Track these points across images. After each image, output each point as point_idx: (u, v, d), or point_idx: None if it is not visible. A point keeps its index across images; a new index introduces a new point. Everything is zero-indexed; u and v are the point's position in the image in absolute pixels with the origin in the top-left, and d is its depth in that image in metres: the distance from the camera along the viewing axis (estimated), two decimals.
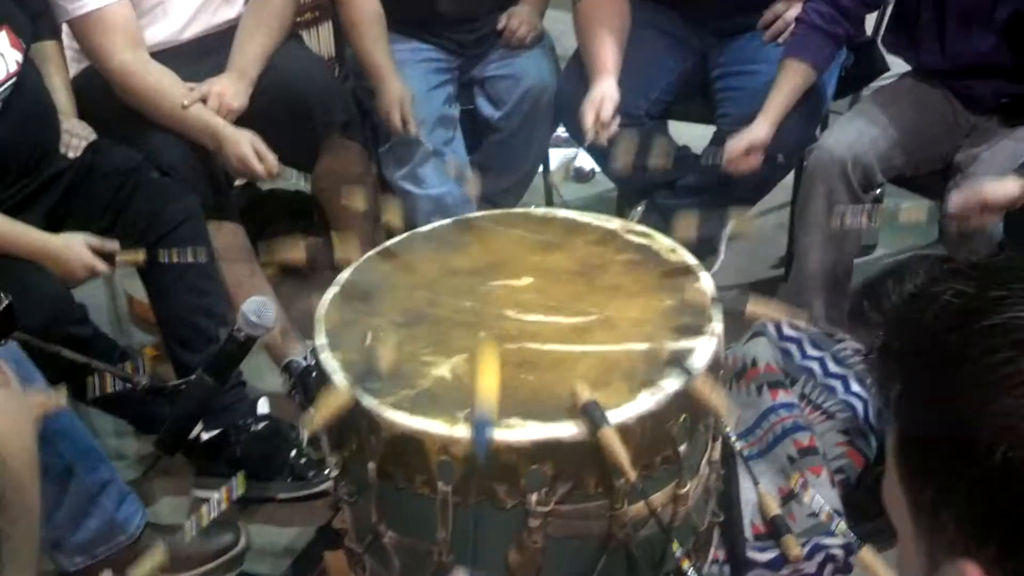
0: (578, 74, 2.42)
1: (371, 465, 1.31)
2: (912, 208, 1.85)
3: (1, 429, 0.37)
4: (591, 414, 1.21)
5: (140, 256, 1.86)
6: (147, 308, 2.17)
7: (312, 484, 2.04)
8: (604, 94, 2.28)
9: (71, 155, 2.03)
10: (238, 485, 1.36)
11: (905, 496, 0.62)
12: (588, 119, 2.26)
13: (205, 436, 2.01)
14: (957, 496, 0.57)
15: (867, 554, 1.35)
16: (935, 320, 0.59)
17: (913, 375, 0.60)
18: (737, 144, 2.15)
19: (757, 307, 1.43)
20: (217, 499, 1.34)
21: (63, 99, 2.13)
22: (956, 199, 1.79)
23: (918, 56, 2.22)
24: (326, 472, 1.96)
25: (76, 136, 2.06)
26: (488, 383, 1.23)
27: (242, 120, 2.17)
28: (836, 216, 1.90)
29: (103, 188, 2.00)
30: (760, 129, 2.15)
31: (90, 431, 1.81)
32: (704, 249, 1.62)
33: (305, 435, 1.32)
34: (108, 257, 1.88)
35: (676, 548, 1.38)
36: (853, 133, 2.15)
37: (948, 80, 2.16)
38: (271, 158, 2.11)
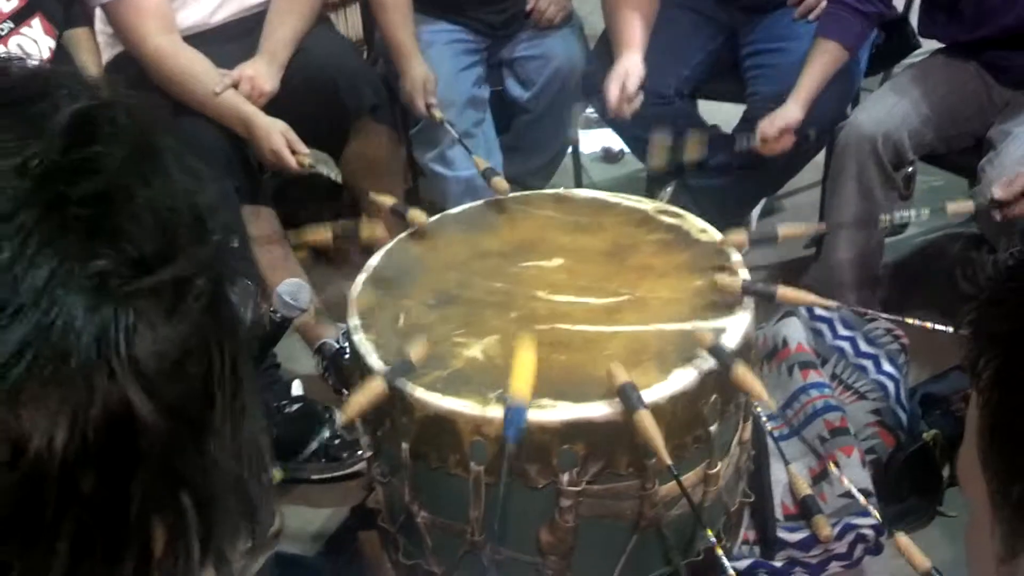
0: (607, 54, 2.41)
1: (404, 445, 1.33)
2: (959, 203, 1.82)
3: None
4: (627, 396, 1.22)
5: None
6: None
7: (346, 465, 2.06)
8: (628, 68, 2.28)
9: None
10: (275, 476, 1.38)
11: (987, 482, 0.57)
12: (612, 93, 2.26)
13: None
14: None
15: (902, 539, 1.35)
16: None
17: (1011, 361, 0.55)
18: (769, 127, 2.13)
19: (788, 293, 1.42)
20: None
21: None
22: (1000, 186, 1.77)
23: (953, 30, 2.19)
24: (359, 453, 1.98)
25: None
26: (524, 374, 1.24)
27: (272, 103, 2.18)
28: (885, 218, 1.88)
29: None
30: (792, 111, 2.14)
31: None
32: (735, 228, 1.62)
33: (340, 421, 1.33)
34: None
35: (709, 533, 1.39)
36: (884, 110, 2.14)
37: (983, 53, 2.14)
38: (304, 150, 2.12)
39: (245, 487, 0.40)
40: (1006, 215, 1.76)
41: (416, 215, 1.70)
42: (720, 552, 1.27)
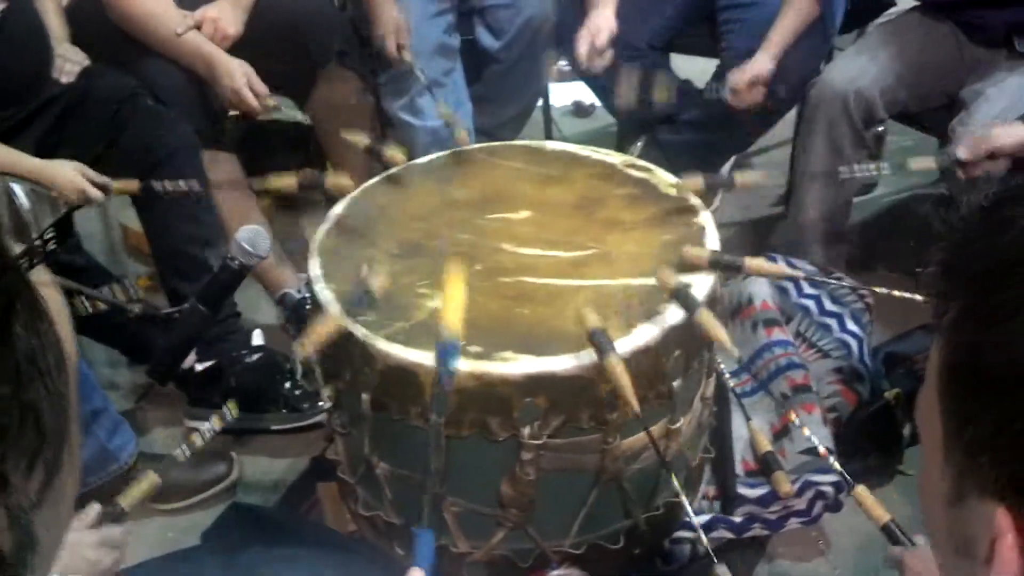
0: (579, 4, 2.38)
1: (365, 396, 1.31)
2: (921, 159, 1.82)
3: (60, 329, 0.37)
4: (598, 342, 1.20)
5: (134, 186, 1.84)
6: (141, 238, 2.15)
7: (306, 415, 2.04)
8: (599, 23, 2.27)
9: (64, 80, 1.99)
10: (231, 411, 1.36)
11: (942, 424, 0.57)
12: (582, 47, 2.25)
13: (199, 367, 2.01)
14: (1002, 441, 0.52)
15: (862, 491, 1.36)
16: (1011, 246, 0.53)
17: (978, 300, 0.54)
18: (740, 77, 2.12)
19: (755, 264, 1.41)
20: (209, 426, 1.34)
21: (55, 24, 2.09)
22: (965, 146, 1.76)
23: None
24: (320, 404, 1.96)
25: (70, 61, 2.03)
26: (453, 307, 1.15)
27: (237, 47, 2.14)
28: (845, 169, 1.87)
29: (97, 115, 1.97)
30: (763, 62, 2.12)
31: (83, 360, 1.80)
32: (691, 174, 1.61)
33: (298, 361, 1.31)
34: (102, 186, 1.86)
35: (675, 482, 1.38)
36: (856, 67, 2.13)
37: (957, 12, 2.12)
38: (264, 91, 2.08)
39: (28, 408, 0.38)
40: (969, 175, 1.76)
41: (394, 154, 1.68)
42: (685, 501, 1.27)
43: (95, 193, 1.87)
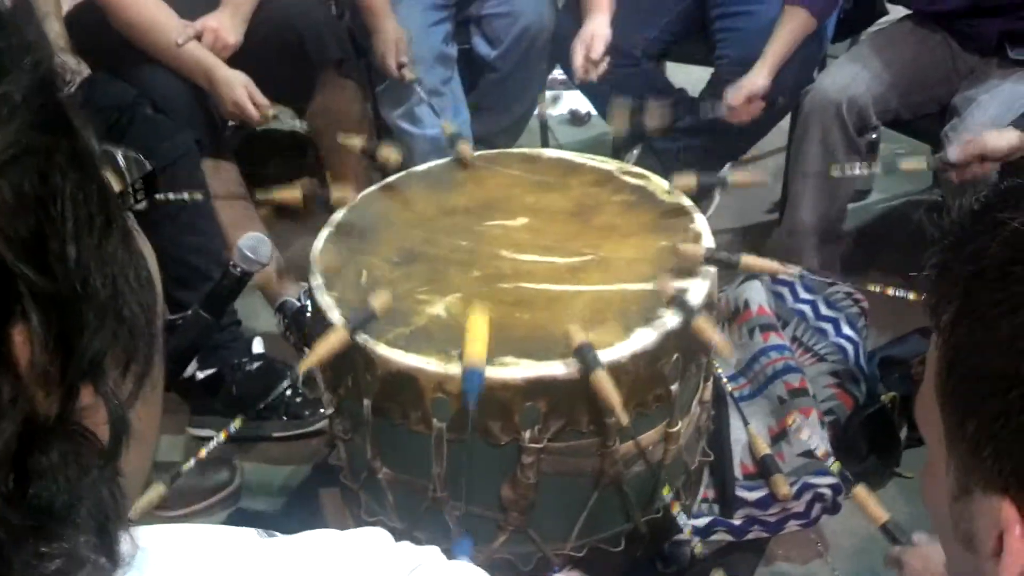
0: (576, 13, 2.40)
1: (366, 402, 1.33)
2: (911, 159, 1.85)
3: (152, 268, 0.42)
4: (584, 356, 1.22)
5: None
6: None
7: (308, 422, 2.05)
8: (594, 32, 2.28)
9: (65, 91, 2.01)
10: (235, 423, 1.38)
11: (943, 421, 0.59)
12: (578, 57, 2.26)
13: (200, 375, 2.02)
14: (1004, 434, 0.53)
15: (861, 491, 1.37)
16: (1002, 248, 0.54)
17: (972, 300, 0.56)
18: (736, 95, 2.14)
19: (751, 261, 1.43)
20: (216, 441, 1.36)
21: (57, 33, 2.10)
22: (956, 149, 1.79)
23: None
24: (322, 410, 1.98)
25: (70, 71, 2.04)
26: (478, 338, 1.24)
27: (236, 56, 2.15)
28: (836, 168, 1.89)
29: (97, 124, 1.97)
30: (759, 78, 2.14)
31: None
32: (699, 192, 1.62)
33: (300, 374, 1.33)
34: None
35: (667, 491, 1.40)
36: (848, 75, 2.15)
37: (950, 20, 2.15)
38: (265, 102, 2.09)
39: (117, 307, 0.42)
40: (960, 177, 1.78)
41: (388, 153, 1.69)
42: (677, 509, 1.29)
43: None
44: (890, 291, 1.46)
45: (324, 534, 0.54)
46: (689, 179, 1.58)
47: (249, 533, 0.52)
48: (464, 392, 1.21)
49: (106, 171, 0.45)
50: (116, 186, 0.46)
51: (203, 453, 1.39)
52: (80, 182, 0.40)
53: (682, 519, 1.31)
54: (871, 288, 1.51)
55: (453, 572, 0.55)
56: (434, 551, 0.55)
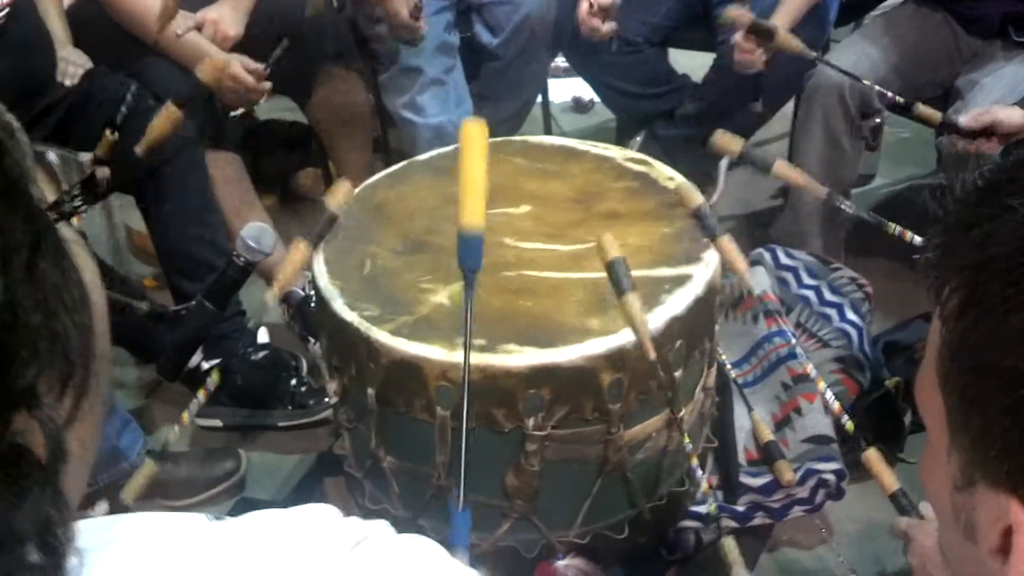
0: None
1: (370, 391, 1.33)
2: (927, 109, 1.85)
3: (88, 279, 0.41)
4: (616, 276, 1.24)
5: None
6: (146, 239, 2.17)
7: (312, 412, 2.06)
8: None
9: (68, 83, 2.01)
10: (213, 380, 1.44)
11: (946, 411, 0.57)
12: (583, 6, 2.22)
13: (205, 366, 2.02)
14: (1013, 434, 0.51)
15: (873, 455, 1.37)
16: (1011, 236, 0.52)
17: (979, 290, 0.53)
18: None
19: (783, 168, 1.45)
20: (197, 400, 1.38)
21: (58, 27, 2.11)
22: (968, 116, 1.78)
23: None
24: (326, 400, 1.98)
25: (73, 64, 2.04)
26: (474, 190, 1.22)
27: (237, 48, 2.15)
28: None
29: (100, 116, 1.98)
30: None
31: None
32: (703, 179, 1.62)
33: (270, 295, 1.36)
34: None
35: (687, 440, 1.39)
36: (851, 58, 2.14)
37: (952, 2, 2.14)
38: (258, 66, 2.09)
39: (51, 329, 0.41)
40: (966, 148, 1.78)
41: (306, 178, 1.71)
42: (695, 462, 1.29)
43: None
44: (908, 236, 1.52)
45: (271, 513, 0.54)
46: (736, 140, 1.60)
47: (199, 518, 0.52)
48: (461, 263, 1.22)
49: (38, 180, 0.44)
50: (50, 194, 0.46)
51: (185, 417, 1.42)
52: (3, 211, 0.40)
53: (698, 473, 1.32)
54: (889, 231, 1.58)
55: (400, 544, 0.55)
56: (382, 524, 0.56)
